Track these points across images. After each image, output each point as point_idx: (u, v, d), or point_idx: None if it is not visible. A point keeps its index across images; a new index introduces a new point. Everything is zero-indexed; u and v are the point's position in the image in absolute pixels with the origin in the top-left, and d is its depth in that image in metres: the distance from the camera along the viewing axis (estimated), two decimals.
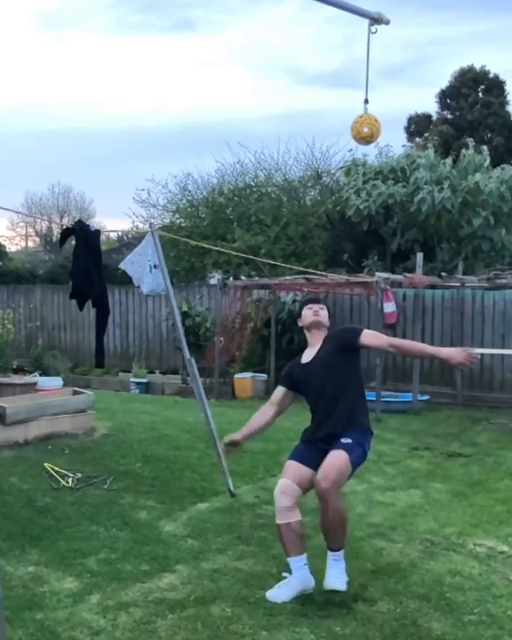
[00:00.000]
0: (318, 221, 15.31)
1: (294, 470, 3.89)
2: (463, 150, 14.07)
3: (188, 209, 17.56)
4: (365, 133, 3.87)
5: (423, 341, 11.44)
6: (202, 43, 49.06)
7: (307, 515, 5.22)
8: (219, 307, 12.27)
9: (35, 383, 8.47)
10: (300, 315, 4.23)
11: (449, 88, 25.43)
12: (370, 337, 3.92)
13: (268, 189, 17.01)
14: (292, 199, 16.62)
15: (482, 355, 11.09)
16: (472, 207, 12.95)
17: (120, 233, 26.39)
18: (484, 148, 14.08)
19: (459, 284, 11.11)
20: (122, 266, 6.07)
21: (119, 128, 48.29)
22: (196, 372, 6.00)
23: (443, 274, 11.48)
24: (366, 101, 3.81)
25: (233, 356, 12.26)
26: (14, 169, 39.74)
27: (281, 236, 15.24)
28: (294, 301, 12.47)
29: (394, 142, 28.06)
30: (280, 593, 3.79)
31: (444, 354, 3.75)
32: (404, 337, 11.58)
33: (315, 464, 3.82)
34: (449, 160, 13.61)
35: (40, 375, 10.07)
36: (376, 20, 3.51)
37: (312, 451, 3.94)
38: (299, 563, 3.82)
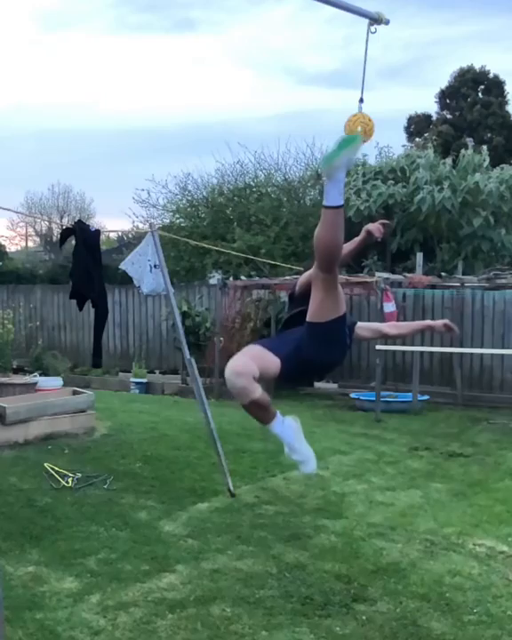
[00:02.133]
0: (318, 221, 15.28)
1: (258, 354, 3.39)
2: (463, 150, 14.08)
3: (188, 209, 17.56)
4: (359, 132, 3.87)
5: (423, 341, 11.47)
6: (202, 43, 48.99)
7: (306, 515, 5.24)
8: (219, 307, 12.27)
9: (35, 383, 8.48)
10: None
11: (449, 88, 25.47)
12: (362, 329, 3.80)
13: (268, 189, 17.00)
14: (291, 199, 16.62)
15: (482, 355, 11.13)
16: (472, 207, 12.95)
17: (120, 233, 26.33)
18: (484, 147, 14.09)
19: (458, 284, 11.10)
20: (122, 266, 6.08)
21: (119, 128, 48.27)
22: (196, 372, 6.00)
23: (443, 274, 11.48)
24: (361, 100, 3.80)
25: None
26: (14, 169, 39.70)
27: (281, 236, 15.24)
28: None
29: (394, 142, 28.12)
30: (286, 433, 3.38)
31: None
32: (404, 337, 11.59)
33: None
34: (449, 160, 13.61)
35: (40, 375, 10.09)
36: (376, 19, 3.51)
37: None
38: (277, 422, 3.37)
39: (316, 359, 3.38)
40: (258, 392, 3.20)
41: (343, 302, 3.36)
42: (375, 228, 3.45)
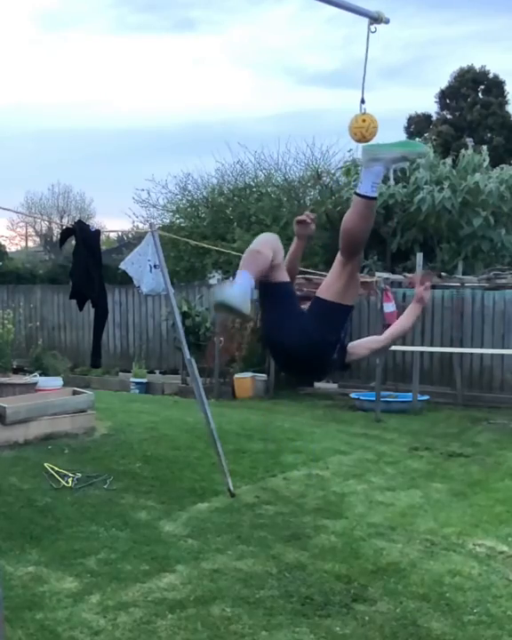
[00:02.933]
0: (318, 221, 15.29)
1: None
2: (463, 150, 14.08)
3: (188, 209, 17.56)
4: (364, 132, 3.87)
5: (423, 341, 11.46)
6: (202, 43, 48.98)
7: (306, 515, 5.25)
8: None
9: (35, 383, 8.48)
10: None
11: (449, 88, 25.47)
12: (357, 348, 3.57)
13: (268, 189, 17.00)
14: (291, 199, 16.61)
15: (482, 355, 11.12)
16: (472, 207, 12.94)
17: (120, 233, 26.34)
18: (484, 147, 14.08)
19: (458, 284, 11.11)
20: (122, 266, 6.08)
21: (119, 128, 48.28)
22: (196, 372, 6.00)
23: (443, 274, 11.48)
24: (363, 101, 3.79)
25: (233, 355, 12.26)
26: (14, 169, 39.70)
27: (281, 236, 15.20)
28: None
29: None
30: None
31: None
32: (404, 336, 11.59)
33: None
34: (449, 160, 13.61)
35: (40, 375, 10.08)
36: (376, 19, 3.50)
37: None
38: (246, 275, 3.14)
39: (305, 332, 3.25)
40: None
41: (355, 295, 3.36)
42: (304, 215, 3.46)
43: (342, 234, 3.24)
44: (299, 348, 3.27)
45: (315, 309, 3.30)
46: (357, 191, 3.11)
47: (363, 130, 3.75)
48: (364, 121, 3.74)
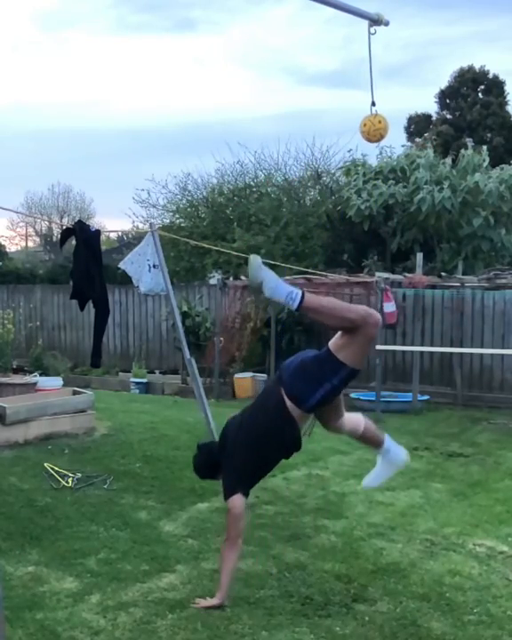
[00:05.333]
0: (318, 221, 15.31)
1: None
2: (462, 150, 14.08)
3: (188, 209, 17.56)
4: (379, 125, 3.91)
5: (423, 341, 11.47)
6: (202, 43, 49.03)
7: (306, 515, 5.25)
8: (219, 307, 12.28)
9: (35, 383, 8.47)
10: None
11: (448, 88, 25.45)
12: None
13: (268, 189, 17.00)
14: (291, 199, 16.61)
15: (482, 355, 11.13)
16: (472, 207, 12.95)
17: (120, 233, 26.37)
18: (484, 147, 14.09)
19: (458, 284, 11.11)
20: (121, 265, 6.09)
21: (119, 128, 48.31)
22: (196, 372, 6.00)
23: (442, 274, 11.49)
24: (373, 104, 3.83)
25: (233, 355, 12.26)
26: (14, 169, 39.71)
27: (281, 236, 15.24)
28: None
29: (394, 142, 28.06)
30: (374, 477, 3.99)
31: None
32: (404, 336, 11.59)
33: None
34: (448, 160, 13.62)
35: (40, 375, 10.08)
36: (375, 21, 3.51)
37: None
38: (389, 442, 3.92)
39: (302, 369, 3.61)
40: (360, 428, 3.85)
41: (361, 363, 3.60)
42: None
43: (335, 328, 3.57)
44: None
45: (324, 359, 3.59)
46: (296, 309, 3.47)
47: (381, 131, 3.84)
48: (380, 122, 3.81)
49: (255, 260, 3.48)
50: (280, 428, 3.65)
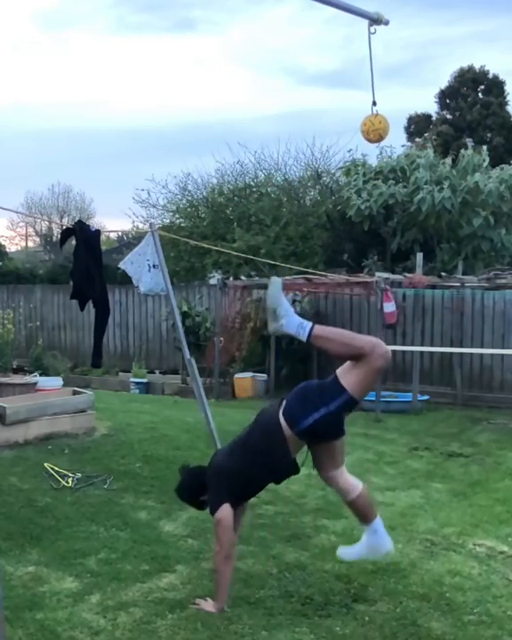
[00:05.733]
0: (318, 221, 15.31)
1: None
2: (462, 150, 14.08)
3: (188, 209, 17.56)
4: (379, 126, 3.92)
5: (423, 341, 11.47)
6: (202, 43, 49.07)
7: (306, 515, 5.24)
8: (219, 307, 12.28)
9: (35, 383, 8.47)
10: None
11: (448, 88, 25.45)
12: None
13: (268, 189, 17.00)
14: (291, 199, 16.62)
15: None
16: (472, 207, 12.95)
17: (120, 233, 26.38)
18: (484, 147, 14.09)
19: (458, 284, 11.10)
20: (121, 265, 6.08)
21: (119, 128, 48.32)
22: (196, 372, 6.00)
23: (442, 274, 11.48)
24: (374, 103, 3.83)
25: (233, 355, 12.26)
26: (14, 169, 39.73)
27: (281, 236, 15.24)
28: (294, 301, 12.49)
29: (394, 142, 28.07)
30: (352, 551, 3.87)
31: None
32: (404, 336, 11.59)
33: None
34: (448, 160, 13.61)
35: (40, 375, 10.08)
36: (375, 20, 3.51)
37: None
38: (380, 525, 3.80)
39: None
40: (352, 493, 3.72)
41: (362, 394, 3.60)
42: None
43: (342, 357, 3.60)
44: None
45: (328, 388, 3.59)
46: (305, 340, 3.55)
47: (381, 131, 3.84)
48: (380, 123, 3.82)
49: (277, 283, 3.56)
50: (268, 448, 3.64)
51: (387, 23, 3.56)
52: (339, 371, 3.56)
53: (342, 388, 3.47)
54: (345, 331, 3.78)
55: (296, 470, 3.75)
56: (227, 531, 3.64)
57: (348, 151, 15.79)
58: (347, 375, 3.50)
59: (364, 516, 3.77)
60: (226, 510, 3.65)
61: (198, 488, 3.87)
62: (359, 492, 3.72)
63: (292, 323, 3.52)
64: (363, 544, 3.79)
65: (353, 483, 3.75)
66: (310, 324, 3.52)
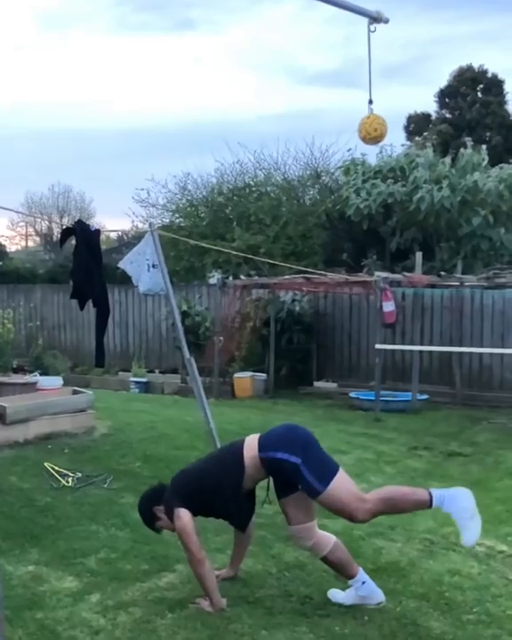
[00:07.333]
0: (317, 221, 15.32)
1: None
2: (462, 149, 14.08)
3: (188, 208, 17.57)
4: (375, 134, 3.91)
5: (422, 341, 11.47)
6: (202, 43, 49.04)
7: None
8: (218, 306, 12.28)
9: (35, 383, 8.47)
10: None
11: (448, 87, 25.45)
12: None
13: (268, 189, 17.02)
14: (291, 198, 16.63)
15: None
16: (471, 206, 12.95)
17: (120, 233, 26.44)
18: (483, 147, 14.09)
19: (458, 284, 11.11)
20: (121, 265, 6.08)
21: (119, 128, 48.30)
22: (196, 372, 6.00)
23: (442, 273, 11.48)
24: (371, 102, 3.83)
25: (232, 355, 12.26)
26: (14, 169, 39.71)
27: (280, 236, 15.25)
28: (293, 300, 12.50)
29: (393, 141, 28.07)
30: (343, 596, 3.77)
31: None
32: (403, 336, 11.59)
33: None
34: (448, 159, 13.62)
35: (40, 375, 10.08)
36: (375, 18, 3.52)
37: None
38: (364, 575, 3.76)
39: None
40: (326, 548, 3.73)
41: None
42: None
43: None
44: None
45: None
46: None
47: (378, 137, 3.84)
48: (379, 125, 3.81)
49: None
50: (226, 465, 3.71)
51: (386, 21, 3.57)
52: (339, 478, 3.68)
53: (323, 481, 3.59)
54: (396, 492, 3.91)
55: (247, 508, 3.87)
56: (191, 536, 3.64)
57: (348, 150, 15.82)
58: (337, 491, 3.65)
59: (345, 573, 3.76)
60: (184, 517, 3.66)
61: (156, 501, 3.90)
62: (332, 548, 3.73)
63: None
64: (352, 595, 3.73)
65: (325, 538, 3.76)
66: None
